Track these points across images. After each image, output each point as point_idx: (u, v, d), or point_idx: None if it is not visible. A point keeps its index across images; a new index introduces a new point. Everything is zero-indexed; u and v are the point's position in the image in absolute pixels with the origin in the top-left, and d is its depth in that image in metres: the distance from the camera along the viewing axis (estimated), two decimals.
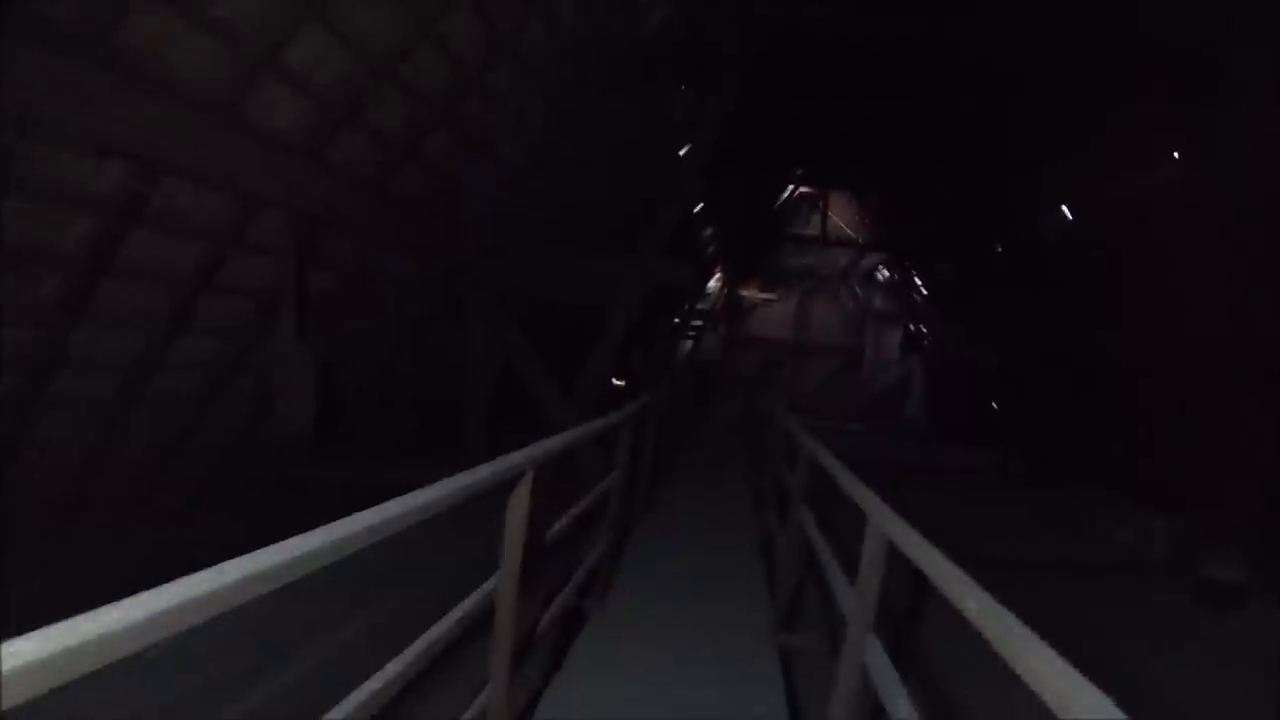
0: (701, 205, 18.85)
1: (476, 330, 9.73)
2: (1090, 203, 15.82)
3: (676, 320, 25.09)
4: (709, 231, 22.03)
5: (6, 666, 0.69)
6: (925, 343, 27.46)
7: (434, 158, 7.97)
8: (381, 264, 8.61)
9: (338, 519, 1.29)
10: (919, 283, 27.12)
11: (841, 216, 31.41)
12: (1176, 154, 12.95)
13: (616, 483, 4.57)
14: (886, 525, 2.04)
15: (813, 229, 31.32)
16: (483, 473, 1.91)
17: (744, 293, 34.34)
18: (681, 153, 9.90)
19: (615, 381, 25.57)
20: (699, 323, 29.69)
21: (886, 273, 31.13)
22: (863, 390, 31.29)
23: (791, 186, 30.48)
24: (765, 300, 34.77)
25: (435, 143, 7.74)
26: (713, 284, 31.74)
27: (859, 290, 32.78)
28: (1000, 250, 19.78)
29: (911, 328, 30.10)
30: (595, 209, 10.73)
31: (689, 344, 29.29)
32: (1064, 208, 16.38)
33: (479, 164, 8.62)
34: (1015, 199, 17.74)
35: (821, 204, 29.25)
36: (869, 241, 29.34)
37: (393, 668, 1.67)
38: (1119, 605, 8.24)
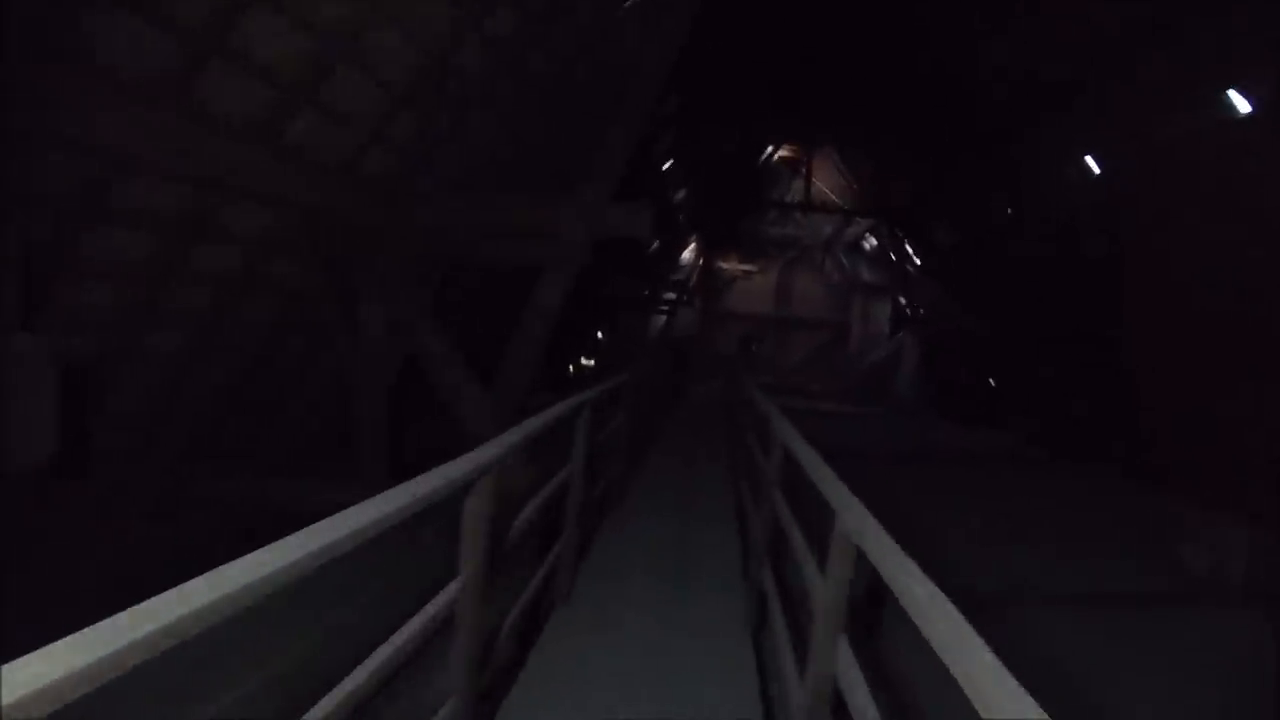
0: (671, 162, 16.52)
1: (368, 309, 7.37)
2: (1123, 152, 13.77)
3: (646, 292, 22.75)
4: (681, 195, 19.69)
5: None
6: (919, 315, 25.40)
7: (278, 64, 5.58)
8: (217, 218, 6.22)
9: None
10: (911, 251, 25.00)
11: (825, 181, 29.16)
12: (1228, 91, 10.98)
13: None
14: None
15: (794, 195, 29.16)
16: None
17: (721, 265, 32.10)
18: (637, 69, 7.46)
19: (584, 362, 23.35)
20: (673, 295, 27.39)
21: (874, 241, 28.95)
22: (850, 367, 29.23)
23: (770, 148, 28.15)
24: (744, 272, 32.53)
25: (260, 38, 5.32)
26: (687, 255, 29.44)
27: (844, 261, 30.62)
28: (1011, 211, 17.67)
29: (902, 300, 28.03)
30: (524, 146, 8.35)
31: (662, 320, 27.01)
32: (1090, 159, 14.27)
33: (350, 77, 6.23)
34: (1032, 151, 15.61)
35: (805, 165, 26.93)
36: (856, 206, 27.08)
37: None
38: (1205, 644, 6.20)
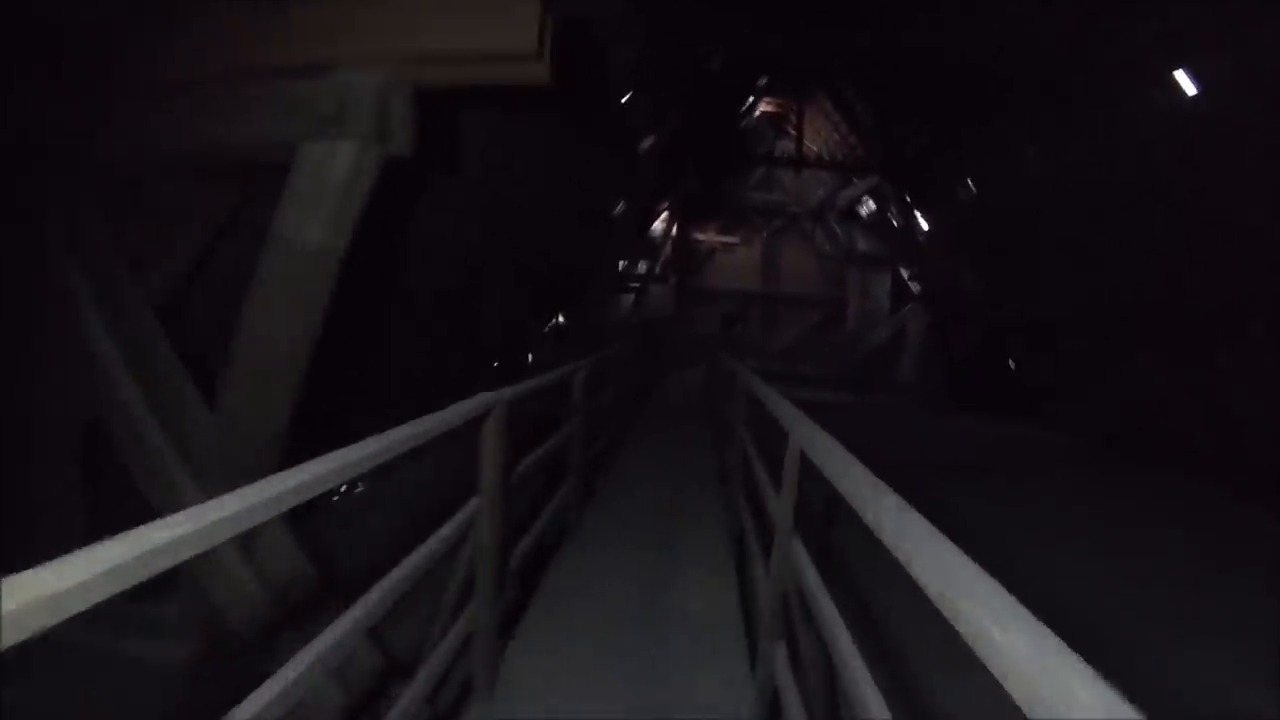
0: (632, 94, 12.76)
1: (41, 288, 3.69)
2: (1218, 70, 10.41)
3: (607, 262, 18.95)
4: (649, 142, 15.96)
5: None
6: (929, 289, 21.96)
7: None
8: None
9: None
10: (920, 215, 21.46)
11: (818, 138, 25.48)
12: None
13: None
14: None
15: (782, 155, 25.48)
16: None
17: (698, 236, 28.39)
18: None
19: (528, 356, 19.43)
20: (642, 270, 23.63)
21: (873, 206, 25.36)
22: (847, 349, 25.74)
23: (751, 99, 24.42)
24: (725, 244, 28.87)
25: None
26: (658, 225, 25.68)
27: (838, 229, 26.96)
28: (1048, 160, 14.19)
29: (905, 272, 24.55)
30: None
31: (631, 298, 23.29)
32: (1183, 74, 10.78)
33: None
34: (1086, 80, 12.13)
35: (795, 116, 23.31)
36: (855, 163, 23.43)
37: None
38: None
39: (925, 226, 21.47)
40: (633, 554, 4.02)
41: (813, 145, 25.47)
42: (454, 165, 5.75)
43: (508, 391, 2.57)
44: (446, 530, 2.43)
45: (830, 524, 5.06)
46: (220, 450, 3.20)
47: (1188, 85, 10.54)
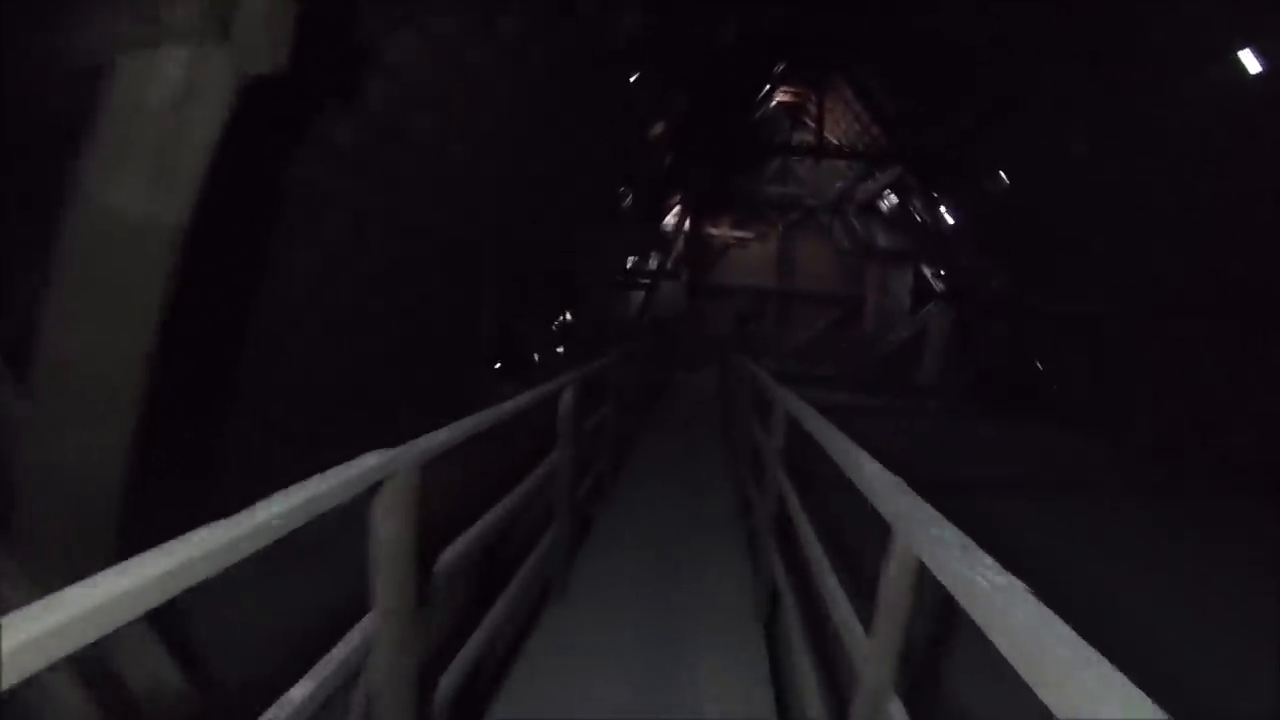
0: (638, 75, 11.77)
1: None
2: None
3: (616, 258, 17.98)
4: (658, 128, 14.96)
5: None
6: (955, 285, 20.83)
7: None
8: None
9: None
10: (944, 209, 20.34)
11: (838, 129, 24.33)
12: None
13: None
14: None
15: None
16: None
17: (711, 230, 27.31)
18: None
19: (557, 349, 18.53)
20: (652, 262, 22.61)
21: (893, 199, 24.22)
22: (866, 348, 24.61)
23: (767, 87, 23.33)
24: (739, 239, 27.79)
25: None
26: (670, 220, 24.64)
27: (856, 224, 25.82)
28: (1082, 149, 13.07)
29: (927, 270, 23.45)
30: None
31: (642, 296, 22.25)
32: (1242, 54, 9.68)
33: None
34: (1122, 66, 11.05)
35: (815, 104, 22.22)
36: (876, 152, 22.25)
37: None
38: None
39: (950, 220, 20.37)
40: (632, 627, 3.07)
41: (832, 136, 24.37)
42: (391, 107, 4.77)
43: (414, 449, 1.60)
44: (337, 655, 1.51)
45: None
46: (29, 509, 2.28)
47: (1238, 67, 9.47)
